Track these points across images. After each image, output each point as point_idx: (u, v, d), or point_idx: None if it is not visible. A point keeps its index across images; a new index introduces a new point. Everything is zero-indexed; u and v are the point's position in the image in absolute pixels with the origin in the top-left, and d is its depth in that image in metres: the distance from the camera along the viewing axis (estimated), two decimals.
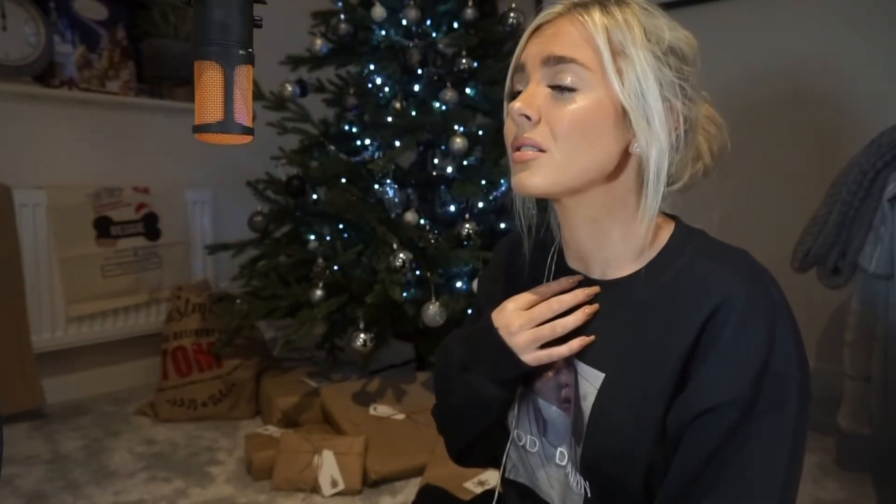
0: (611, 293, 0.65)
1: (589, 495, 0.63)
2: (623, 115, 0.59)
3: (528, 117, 0.60)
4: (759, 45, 2.17)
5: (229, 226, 2.42)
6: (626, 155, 0.62)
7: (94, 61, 2.21)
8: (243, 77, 0.54)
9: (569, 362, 0.66)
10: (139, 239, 2.24)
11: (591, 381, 0.63)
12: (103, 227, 2.15)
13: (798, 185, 2.08)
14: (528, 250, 0.74)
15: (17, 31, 2.01)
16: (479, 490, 1.44)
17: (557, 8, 0.62)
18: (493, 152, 1.99)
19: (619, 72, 0.58)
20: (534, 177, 0.60)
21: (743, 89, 2.17)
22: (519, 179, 0.62)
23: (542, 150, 0.60)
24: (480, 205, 1.92)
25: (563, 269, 0.70)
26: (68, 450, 1.82)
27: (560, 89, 0.60)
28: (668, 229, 0.65)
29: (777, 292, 0.58)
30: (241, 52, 0.53)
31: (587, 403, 0.63)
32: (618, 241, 0.64)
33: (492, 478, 1.53)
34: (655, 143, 0.59)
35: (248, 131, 0.55)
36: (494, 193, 1.96)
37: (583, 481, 0.64)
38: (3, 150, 2.02)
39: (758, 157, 2.13)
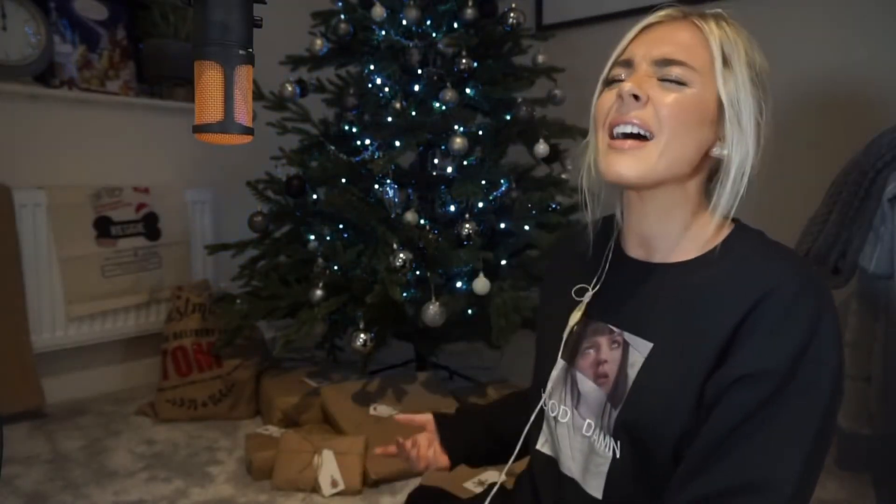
0: (668, 274, 0.69)
1: (618, 455, 0.66)
2: (717, 117, 0.65)
3: (636, 97, 0.63)
4: (759, 45, 2.17)
5: (229, 226, 2.42)
6: (705, 157, 0.67)
7: (94, 61, 2.21)
8: (243, 77, 0.54)
9: (614, 339, 0.70)
10: (139, 239, 2.24)
11: (640, 350, 0.67)
12: (103, 227, 2.15)
13: (798, 185, 2.08)
14: (593, 234, 0.77)
15: (17, 31, 2.01)
16: (478, 490, 1.43)
17: (669, 11, 0.68)
18: (493, 152, 1.98)
19: (724, 79, 0.64)
20: (630, 165, 0.64)
21: None
22: (613, 164, 0.64)
23: (645, 136, 0.64)
24: (480, 205, 1.92)
25: (620, 256, 0.74)
26: (68, 450, 1.82)
27: (669, 82, 0.64)
28: (728, 226, 0.69)
29: (827, 292, 0.61)
30: (241, 52, 0.53)
31: (633, 371, 0.66)
32: (682, 232, 0.69)
33: (491, 477, 1.53)
34: (743, 146, 0.64)
35: (248, 131, 0.55)
36: (494, 193, 1.96)
37: (612, 442, 0.66)
38: (3, 150, 2.02)
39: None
